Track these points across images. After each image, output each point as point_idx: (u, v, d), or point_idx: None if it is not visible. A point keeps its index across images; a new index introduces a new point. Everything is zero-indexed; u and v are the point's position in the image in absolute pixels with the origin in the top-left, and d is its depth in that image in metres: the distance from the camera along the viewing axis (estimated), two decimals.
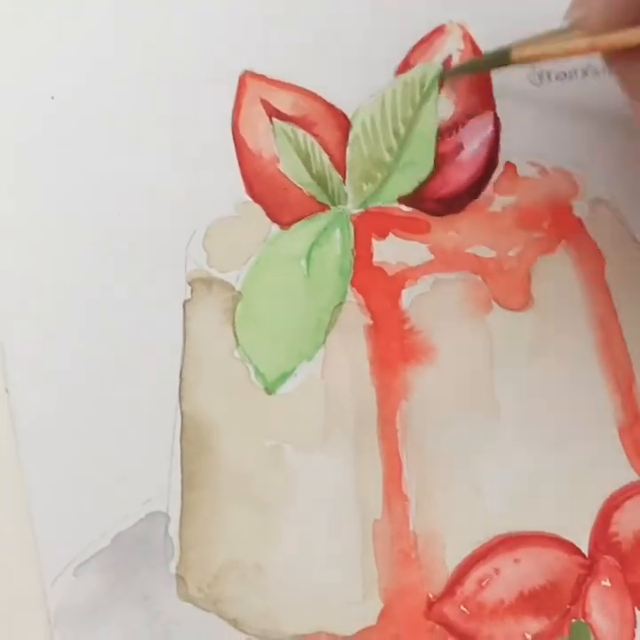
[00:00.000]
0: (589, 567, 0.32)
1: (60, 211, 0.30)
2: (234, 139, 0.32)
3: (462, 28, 0.34)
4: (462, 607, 0.31)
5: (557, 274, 0.34)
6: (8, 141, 0.31)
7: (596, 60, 0.36)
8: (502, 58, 0.31)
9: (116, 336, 0.30)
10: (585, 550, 0.32)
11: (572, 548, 0.32)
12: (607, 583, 0.32)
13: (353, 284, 0.32)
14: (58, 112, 0.31)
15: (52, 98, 0.31)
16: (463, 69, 0.33)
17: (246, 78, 0.32)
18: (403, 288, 0.32)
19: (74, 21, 0.31)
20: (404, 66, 0.34)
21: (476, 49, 0.34)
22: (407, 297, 0.32)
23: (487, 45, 0.34)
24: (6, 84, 0.31)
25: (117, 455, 0.30)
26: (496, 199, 0.34)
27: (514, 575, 0.31)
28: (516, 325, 0.33)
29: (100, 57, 0.31)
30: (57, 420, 0.30)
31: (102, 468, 0.30)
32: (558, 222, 0.34)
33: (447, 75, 0.33)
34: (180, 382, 0.31)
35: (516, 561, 0.32)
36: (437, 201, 0.33)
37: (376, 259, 0.32)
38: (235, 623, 0.30)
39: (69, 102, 0.31)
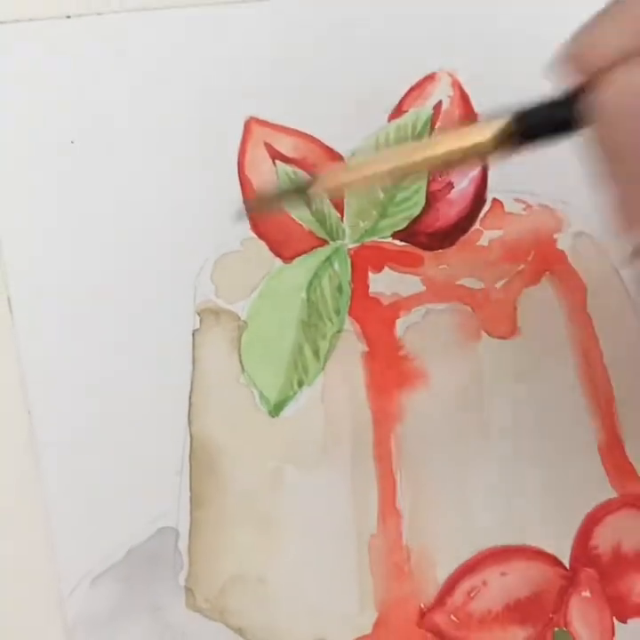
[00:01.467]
0: (571, 579, 0.33)
1: (79, 245, 0.32)
2: (240, 179, 0.33)
3: (451, 75, 0.36)
4: (452, 616, 0.32)
5: (542, 304, 0.35)
6: (29, 178, 0.32)
7: None
8: (299, 188, 0.27)
9: (131, 364, 0.32)
10: (566, 563, 0.33)
11: (555, 561, 0.33)
12: (587, 594, 0.33)
13: (350, 313, 0.34)
14: (78, 155, 0.32)
15: (72, 142, 0.32)
16: (262, 203, 0.32)
17: (251, 124, 0.34)
18: (397, 318, 0.34)
19: (92, 70, 0.33)
20: (398, 111, 0.35)
21: (463, 95, 0.36)
22: (401, 326, 0.34)
23: (475, 90, 0.36)
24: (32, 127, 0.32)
25: (131, 475, 0.31)
26: (484, 234, 0.35)
27: (500, 587, 0.33)
28: (503, 352, 0.34)
29: (116, 104, 0.33)
30: (75, 442, 0.31)
31: (117, 487, 0.31)
32: (542, 255, 0.35)
33: (248, 210, 0.32)
34: (190, 406, 0.32)
35: (502, 574, 0.33)
36: (429, 236, 0.35)
37: (372, 290, 0.34)
38: (240, 632, 0.31)
39: (87, 147, 0.32)
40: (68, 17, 0.33)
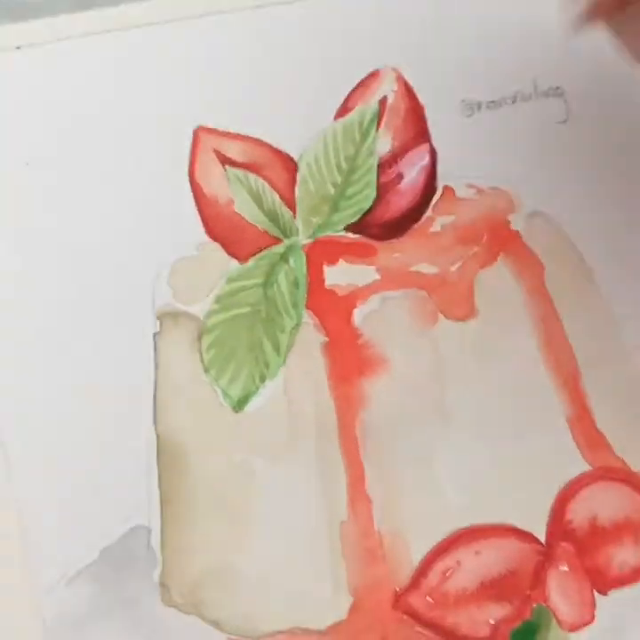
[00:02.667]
0: (547, 554, 0.33)
1: (37, 258, 0.33)
2: (191, 186, 0.34)
3: (395, 71, 0.36)
4: (428, 597, 0.32)
5: (498, 284, 0.35)
6: None
7: (525, 86, 0.38)
8: None
9: (95, 369, 0.32)
10: (542, 539, 0.33)
11: (530, 538, 0.33)
12: (565, 568, 0.32)
13: (308, 306, 0.34)
14: (31, 171, 0.33)
15: (27, 164, 0.33)
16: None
17: (199, 133, 0.34)
18: (354, 307, 0.34)
19: (43, 96, 0.34)
20: (344, 109, 0.36)
21: (408, 88, 0.36)
22: (359, 315, 0.34)
23: (420, 84, 0.37)
24: None
25: (101, 477, 0.31)
26: (436, 220, 0.35)
27: (475, 565, 0.32)
28: (462, 334, 0.34)
29: (68, 125, 0.34)
30: (44, 449, 0.31)
31: (88, 489, 0.31)
32: (496, 236, 0.35)
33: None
34: (154, 407, 0.32)
35: (476, 552, 0.32)
36: (381, 227, 0.35)
37: (328, 282, 0.34)
38: (216, 624, 0.31)
39: (42, 166, 0.33)
40: (18, 48, 0.34)
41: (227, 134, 0.35)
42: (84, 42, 0.34)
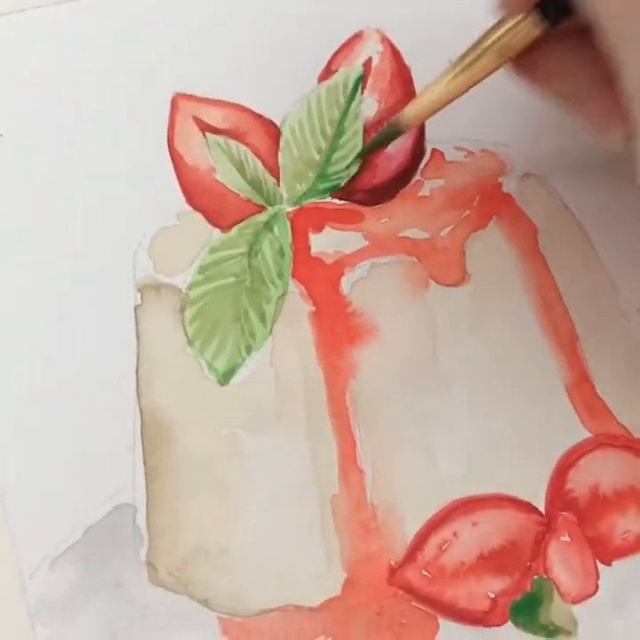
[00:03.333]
0: (547, 524, 0.31)
1: (16, 234, 0.32)
2: (171, 155, 0.33)
3: (379, 32, 0.35)
4: (424, 571, 0.30)
5: (491, 248, 0.33)
6: None
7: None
8: (395, 131, 0.31)
9: (76, 344, 0.31)
10: (542, 509, 0.31)
11: (529, 508, 0.31)
12: (566, 538, 0.31)
13: (294, 275, 0.33)
14: (6, 142, 0.32)
15: (1, 135, 0.32)
16: (366, 152, 0.33)
17: (178, 99, 0.33)
18: (342, 275, 0.33)
19: (17, 63, 0.33)
20: (327, 72, 0.34)
21: (394, 50, 0.35)
22: (347, 283, 0.33)
23: (406, 45, 0.35)
24: None
25: (82, 453, 0.30)
26: (425, 184, 0.34)
27: (472, 537, 0.31)
28: (454, 300, 0.33)
29: (43, 93, 0.33)
30: (25, 426, 0.30)
31: (70, 467, 0.30)
32: (487, 199, 0.34)
33: (359, 155, 0.33)
34: (137, 381, 0.31)
35: (473, 524, 0.31)
36: (368, 192, 0.33)
37: (314, 250, 0.33)
38: (205, 603, 0.30)
39: (16, 137, 0.32)
40: None
41: (206, 100, 0.33)
42: (59, 9, 0.33)
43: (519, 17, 0.27)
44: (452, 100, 0.30)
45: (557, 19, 0.27)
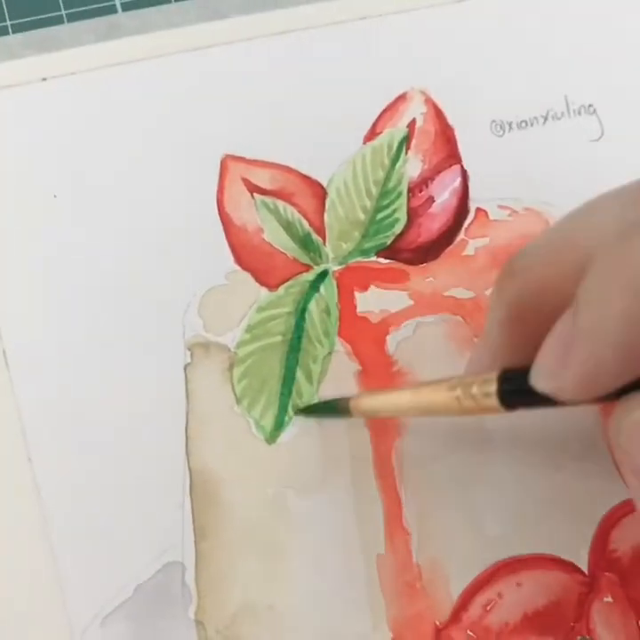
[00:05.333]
0: (590, 585, 0.31)
1: (68, 295, 0.32)
2: (220, 215, 0.33)
3: (424, 93, 0.35)
4: (469, 632, 0.30)
5: None
6: (16, 231, 0.32)
7: (557, 104, 0.36)
8: (342, 409, 0.30)
9: (127, 404, 0.31)
10: (585, 569, 0.31)
11: (572, 568, 0.31)
12: (609, 599, 0.31)
13: (340, 334, 0.32)
14: (60, 203, 0.32)
15: (55, 196, 0.32)
16: (308, 411, 0.32)
17: (227, 161, 0.33)
18: (387, 334, 0.33)
19: (70, 127, 0.33)
20: (372, 133, 0.34)
21: (437, 110, 0.35)
22: (392, 342, 0.33)
23: (449, 105, 0.35)
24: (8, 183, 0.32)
25: (134, 512, 0.30)
26: (469, 243, 0.34)
27: (517, 598, 0.31)
28: None
29: (96, 157, 0.33)
30: (77, 486, 0.30)
31: (121, 526, 0.30)
32: None
33: (295, 414, 0.32)
34: (186, 440, 0.31)
35: (518, 584, 0.31)
36: (413, 251, 0.33)
37: (360, 309, 0.33)
38: None
39: (70, 193, 0.32)
40: (44, 79, 0.33)
41: (254, 162, 0.33)
42: (109, 72, 0.33)
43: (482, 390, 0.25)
44: (408, 415, 0.30)
45: (515, 407, 0.24)
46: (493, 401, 0.25)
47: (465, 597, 0.31)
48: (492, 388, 0.24)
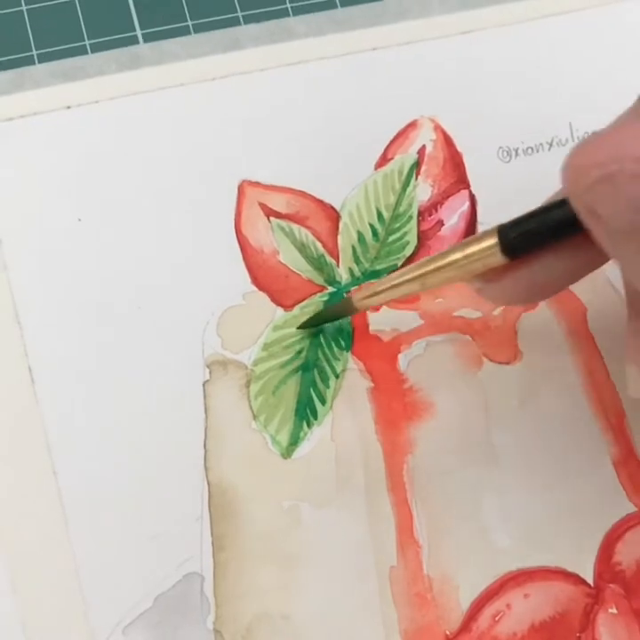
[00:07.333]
0: (595, 596, 0.31)
1: (92, 316, 0.32)
2: (238, 238, 0.34)
3: (433, 120, 0.36)
4: None
5: (541, 327, 0.34)
6: (41, 253, 0.33)
7: (562, 133, 0.37)
8: (346, 307, 0.31)
9: (146, 418, 0.32)
10: (590, 580, 0.32)
11: (578, 580, 0.32)
12: (614, 610, 0.31)
13: (353, 352, 0.33)
14: (85, 226, 0.33)
15: (79, 220, 0.33)
16: (311, 322, 0.33)
17: (244, 186, 0.34)
18: (399, 352, 0.33)
19: (93, 154, 0.34)
20: (383, 159, 0.35)
21: (446, 137, 0.36)
22: (403, 360, 0.33)
23: (458, 132, 0.36)
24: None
25: (153, 523, 0.31)
26: None
27: (525, 609, 0.31)
28: (506, 377, 0.33)
29: (118, 182, 0.34)
30: (99, 499, 0.31)
31: (141, 538, 0.31)
32: None
33: (299, 326, 0.33)
34: (205, 454, 0.32)
35: (525, 596, 0.31)
36: None
37: (372, 328, 0.34)
38: None
39: (94, 218, 0.33)
40: (68, 107, 0.34)
41: (270, 187, 0.34)
42: (131, 100, 0.34)
43: (483, 244, 0.26)
44: (408, 296, 0.30)
45: (517, 255, 0.25)
46: (496, 253, 0.25)
47: (474, 608, 0.31)
48: (494, 240, 0.25)
